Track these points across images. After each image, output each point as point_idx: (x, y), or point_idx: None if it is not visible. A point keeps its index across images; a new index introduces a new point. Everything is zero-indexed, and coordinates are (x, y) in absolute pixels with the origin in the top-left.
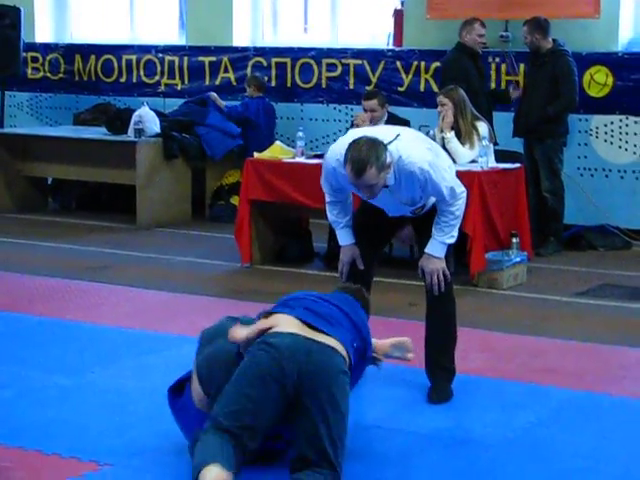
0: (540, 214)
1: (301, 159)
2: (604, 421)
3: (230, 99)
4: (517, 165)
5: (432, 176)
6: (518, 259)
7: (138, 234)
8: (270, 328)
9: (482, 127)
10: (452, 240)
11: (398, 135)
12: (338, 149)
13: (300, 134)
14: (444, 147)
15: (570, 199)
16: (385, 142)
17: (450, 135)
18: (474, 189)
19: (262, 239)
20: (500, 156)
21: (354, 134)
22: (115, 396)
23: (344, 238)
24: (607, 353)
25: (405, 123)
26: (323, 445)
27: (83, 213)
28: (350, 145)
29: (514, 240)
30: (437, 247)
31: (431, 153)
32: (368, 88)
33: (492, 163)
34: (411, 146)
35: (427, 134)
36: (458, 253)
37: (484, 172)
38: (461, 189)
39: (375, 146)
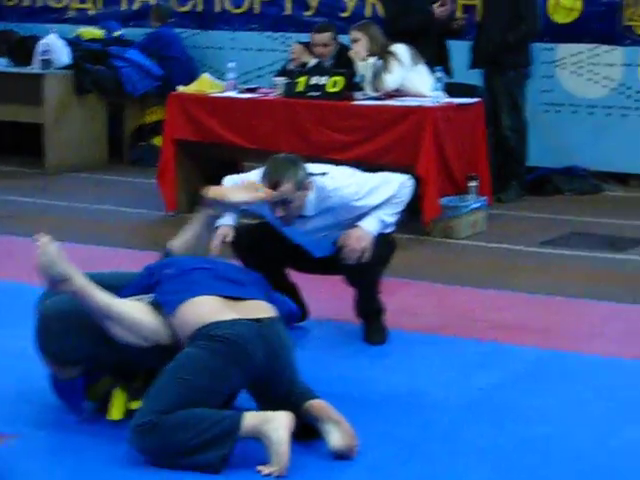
0: (501, 155)
1: (232, 93)
2: (573, 382)
3: (151, 26)
4: (475, 100)
5: (368, 202)
6: (476, 205)
7: (47, 180)
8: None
9: (398, 48)
10: (391, 220)
11: (325, 172)
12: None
13: (231, 65)
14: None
15: (534, 138)
16: (308, 170)
17: (369, 62)
18: (427, 127)
19: (189, 184)
20: (456, 90)
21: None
22: (20, 360)
23: (224, 219)
24: (576, 308)
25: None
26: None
27: None
28: (268, 161)
29: (472, 184)
30: (371, 222)
31: (358, 180)
32: (307, 14)
33: (423, 87)
34: (341, 177)
35: (373, 66)
36: (411, 199)
37: (438, 107)
38: (402, 179)
39: (295, 163)
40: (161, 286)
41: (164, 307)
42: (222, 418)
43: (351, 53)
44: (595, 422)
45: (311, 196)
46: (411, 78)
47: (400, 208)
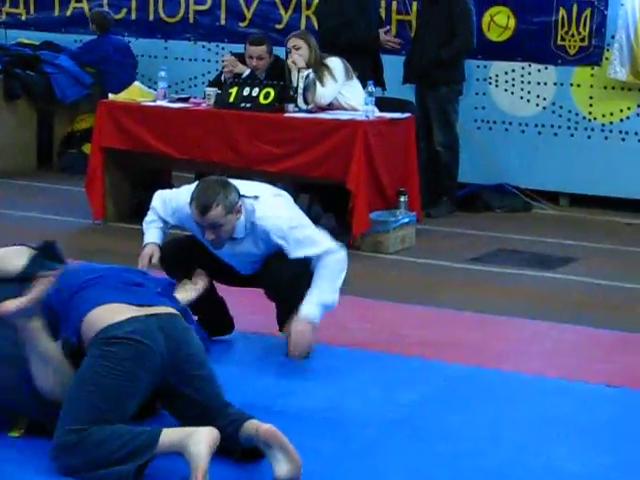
0: (432, 170)
1: (163, 102)
2: (495, 399)
3: (82, 33)
4: (407, 115)
5: (294, 237)
6: (406, 220)
7: None
8: None
9: (333, 62)
10: (329, 299)
11: (257, 196)
12: (179, 199)
13: (162, 74)
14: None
15: (465, 155)
16: (240, 192)
17: (308, 72)
18: (357, 140)
19: (117, 193)
20: (389, 105)
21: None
22: None
23: (151, 236)
24: (502, 325)
25: (288, 69)
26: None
27: None
28: (199, 183)
29: (402, 199)
30: (310, 308)
31: (291, 213)
32: (242, 24)
33: (375, 112)
34: (271, 205)
35: (307, 78)
36: (339, 212)
37: (369, 122)
38: (332, 247)
39: (225, 186)
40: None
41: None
42: (141, 432)
43: (290, 61)
44: (515, 440)
45: (242, 218)
46: (344, 92)
47: (337, 283)
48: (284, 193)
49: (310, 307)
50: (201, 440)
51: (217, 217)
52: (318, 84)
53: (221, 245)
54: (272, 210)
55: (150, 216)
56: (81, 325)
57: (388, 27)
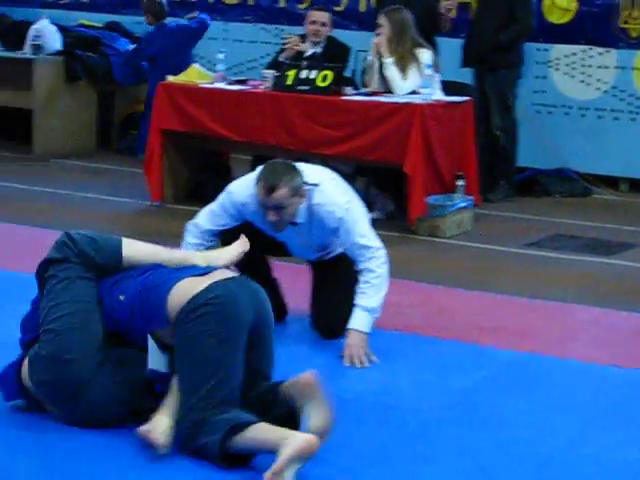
0: (490, 154)
1: (221, 85)
2: (550, 387)
3: (143, 14)
4: (465, 98)
5: (346, 225)
6: (463, 204)
7: (34, 166)
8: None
9: (424, 55)
10: (376, 305)
11: (317, 184)
12: (246, 184)
13: (221, 56)
14: (381, 74)
15: (524, 139)
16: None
17: (388, 61)
18: (415, 124)
19: (175, 174)
20: (446, 88)
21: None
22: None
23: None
24: (558, 311)
25: (345, 50)
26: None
27: None
28: (265, 165)
29: (459, 183)
30: (360, 318)
31: (349, 202)
32: (301, 7)
33: (438, 95)
34: (329, 192)
35: (365, 60)
36: (396, 196)
37: (427, 105)
38: (378, 245)
39: (291, 169)
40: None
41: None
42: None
43: (374, 41)
44: (568, 428)
45: (303, 204)
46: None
47: (384, 290)
48: (341, 179)
49: (362, 318)
50: (290, 444)
51: (282, 198)
52: (397, 73)
53: (282, 228)
54: (329, 198)
55: (190, 238)
56: (166, 307)
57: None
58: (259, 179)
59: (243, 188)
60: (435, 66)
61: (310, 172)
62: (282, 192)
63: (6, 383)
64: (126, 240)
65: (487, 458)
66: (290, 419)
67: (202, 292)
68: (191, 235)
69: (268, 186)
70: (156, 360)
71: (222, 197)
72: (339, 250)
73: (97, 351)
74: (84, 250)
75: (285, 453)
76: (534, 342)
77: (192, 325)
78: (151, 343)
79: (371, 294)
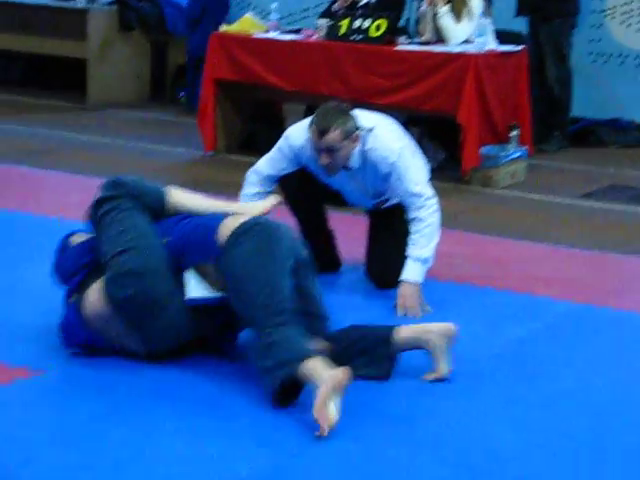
0: (544, 105)
1: (275, 34)
2: (604, 339)
3: None
4: (519, 48)
5: (398, 170)
6: (517, 155)
7: (88, 115)
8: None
9: (475, 1)
10: (428, 255)
11: (371, 128)
12: (303, 128)
13: (274, 5)
14: (434, 23)
15: (579, 88)
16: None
17: (443, 10)
18: (469, 74)
19: (228, 124)
20: (500, 37)
21: None
22: (50, 296)
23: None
24: (613, 262)
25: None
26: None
27: (26, 89)
28: (319, 108)
29: (513, 133)
30: (412, 269)
31: (402, 148)
32: None
33: (491, 44)
34: (382, 137)
35: (418, 9)
36: (449, 146)
37: (481, 55)
38: (430, 194)
39: (344, 112)
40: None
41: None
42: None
43: None
44: (621, 381)
45: (357, 147)
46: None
47: (436, 239)
48: (397, 124)
49: (414, 269)
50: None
51: (334, 141)
52: (452, 22)
53: (335, 172)
54: (382, 142)
55: (248, 189)
56: (217, 235)
57: None
58: (312, 122)
59: (300, 132)
60: (486, 11)
61: (365, 117)
62: (334, 135)
63: (68, 329)
64: (170, 187)
65: (538, 410)
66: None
67: (249, 219)
68: (250, 184)
69: (320, 129)
70: (194, 288)
71: (280, 142)
72: (396, 199)
73: (166, 270)
74: (132, 190)
75: (321, 391)
76: (589, 293)
77: (241, 243)
78: (187, 275)
79: (423, 244)
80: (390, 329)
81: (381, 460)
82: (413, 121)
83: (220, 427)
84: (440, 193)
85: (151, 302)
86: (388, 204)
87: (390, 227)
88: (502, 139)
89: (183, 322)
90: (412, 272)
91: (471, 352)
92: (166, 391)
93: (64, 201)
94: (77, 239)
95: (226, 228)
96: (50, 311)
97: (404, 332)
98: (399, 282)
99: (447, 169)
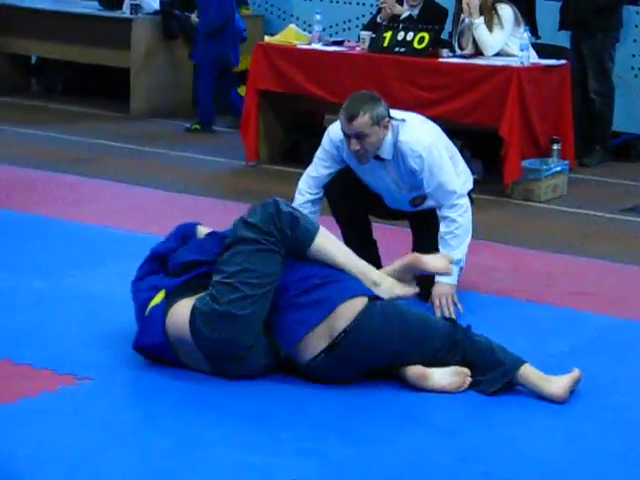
0: (586, 119)
1: (317, 45)
2: None
3: None
4: (562, 62)
5: (428, 165)
6: (558, 168)
7: (131, 124)
8: None
9: (505, 10)
10: (461, 256)
11: (404, 119)
12: (337, 130)
13: (318, 17)
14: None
15: (621, 103)
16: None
17: (478, 21)
18: (512, 87)
19: (271, 135)
20: (544, 51)
21: None
22: (97, 303)
23: None
24: None
25: (442, 11)
26: None
27: (70, 98)
28: (349, 97)
29: (555, 147)
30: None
31: (432, 144)
32: None
33: (533, 58)
34: (415, 129)
35: (462, 21)
36: (490, 159)
37: (524, 68)
38: (461, 191)
39: (374, 99)
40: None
41: None
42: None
43: (465, 3)
44: None
45: (389, 137)
46: (509, 42)
47: (467, 239)
48: (432, 122)
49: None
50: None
51: (363, 125)
52: (486, 32)
53: (366, 160)
54: (414, 135)
55: (298, 198)
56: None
57: None
58: (342, 109)
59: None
60: (516, 19)
61: (399, 112)
62: (363, 120)
63: (146, 327)
64: (322, 230)
65: (580, 423)
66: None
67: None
68: (300, 192)
69: (349, 114)
70: None
71: (323, 140)
72: (432, 200)
73: (261, 323)
74: (285, 224)
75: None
76: (630, 308)
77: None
78: None
79: (455, 245)
80: (522, 362)
81: (427, 471)
82: (454, 133)
83: (264, 438)
84: (482, 206)
85: (233, 351)
86: (426, 206)
87: (431, 239)
88: (544, 153)
89: (256, 367)
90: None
91: None
92: (210, 402)
93: (108, 209)
94: (203, 231)
95: (344, 318)
96: (96, 319)
97: (531, 373)
98: (434, 283)
99: (488, 182)
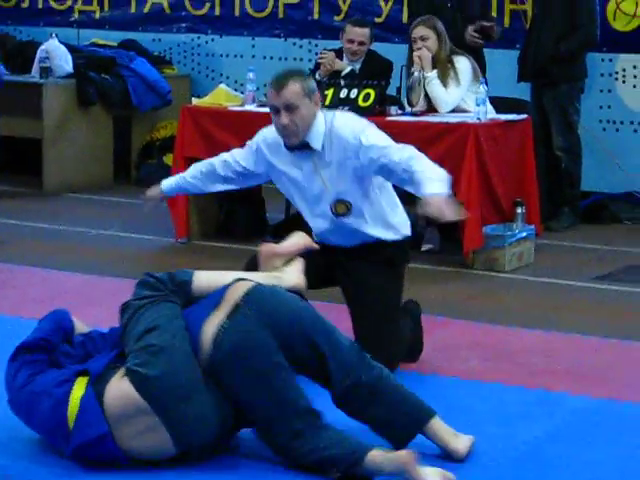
0: (552, 178)
1: (251, 107)
2: (629, 436)
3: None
4: (523, 116)
5: (367, 135)
6: (524, 234)
7: (46, 201)
8: None
9: (462, 63)
10: (443, 175)
11: (335, 113)
12: (268, 131)
13: (250, 75)
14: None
15: (589, 160)
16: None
17: (431, 75)
18: (468, 146)
19: (202, 208)
20: (502, 105)
21: None
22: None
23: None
24: (633, 351)
25: (387, 65)
26: None
27: None
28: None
29: (519, 210)
30: (435, 185)
31: (368, 124)
32: (337, 18)
33: (491, 113)
34: (347, 116)
35: (411, 75)
36: (448, 226)
37: (481, 124)
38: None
39: (303, 73)
40: None
41: None
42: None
43: (415, 55)
44: None
45: (321, 126)
46: (465, 97)
47: (437, 167)
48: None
49: (435, 186)
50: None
51: (293, 95)
52: (440, 87)
53: (296, 138)
54: (348, 118)
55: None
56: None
57: (481, 24)
58: (269, 82)
59: (263, 134)
60: (475, 74)
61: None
62: (293, 87)
63: (81, 422)
64: (195, 273)
65: None
66: None
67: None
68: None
69: (278, 84)
70: None
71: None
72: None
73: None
74: (164, 281)
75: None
76: (610, 386)
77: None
78: None
79: (434, 169)
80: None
81: None
82: (405, 200)
83: None
84: (440, 278)
85: (177, 386)
86: (356, 242)
87: (369, 305)
88: (507, 217)
89: (214, 413)
90: (437, 188)
91: (484, 455)
92: None
93: (23, 297)
94: (79, 325)
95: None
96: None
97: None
98: (420, 198)
99: (447, 252)
